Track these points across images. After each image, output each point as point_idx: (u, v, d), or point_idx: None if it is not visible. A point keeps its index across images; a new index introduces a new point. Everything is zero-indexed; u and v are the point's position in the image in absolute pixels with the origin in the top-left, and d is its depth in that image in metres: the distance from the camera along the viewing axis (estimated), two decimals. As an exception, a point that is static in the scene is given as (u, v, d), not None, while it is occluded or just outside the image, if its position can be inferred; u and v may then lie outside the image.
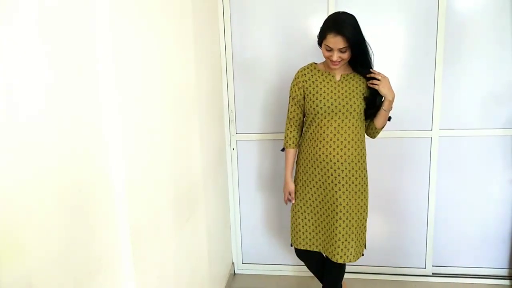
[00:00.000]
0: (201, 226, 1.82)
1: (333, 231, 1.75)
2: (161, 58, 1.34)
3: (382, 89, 1.67)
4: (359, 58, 1.67)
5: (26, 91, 0.69)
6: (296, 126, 1.86)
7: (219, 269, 2.24)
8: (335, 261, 1.76)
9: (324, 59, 1.76)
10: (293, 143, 1.86)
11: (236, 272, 2.61)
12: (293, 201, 1.86)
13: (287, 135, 1.87)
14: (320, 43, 1.69)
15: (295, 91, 1.80)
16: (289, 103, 1.85)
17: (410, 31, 2.20)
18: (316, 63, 1.80)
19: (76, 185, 0.84)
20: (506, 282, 2.34)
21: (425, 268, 2.43)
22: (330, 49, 1.62)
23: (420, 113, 2.27)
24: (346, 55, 1.62)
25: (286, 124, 1.88)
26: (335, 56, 1.61)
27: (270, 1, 2.26)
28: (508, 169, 2.27)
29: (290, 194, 1.88)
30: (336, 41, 1.58)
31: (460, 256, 2.41)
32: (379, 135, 1.84)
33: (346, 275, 2.33)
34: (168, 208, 1.39)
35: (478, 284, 2.34)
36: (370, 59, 1.70)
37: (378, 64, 2.21)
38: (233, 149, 2.46)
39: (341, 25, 1.58)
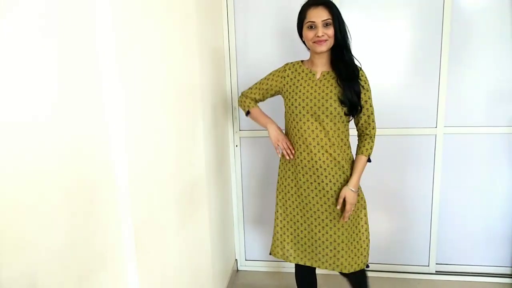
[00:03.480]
0: (204, 222, 1.82)
1: (312, 237, 1.69)
2: (164, 56, 1.34)
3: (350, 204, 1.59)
4: (343, 41, 1.56)
5: (30, 91, 0.69)
6: (254, 102, 1.82)
7: (222, 266, 2.24)
8: (317, 267, 1.70)
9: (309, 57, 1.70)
10: (254, 105, 1.82)
11: (239, 269, 2.62)
12: (292, 155, 1.68)
13: (244, 102, 1.83)
14: (300, 31, 1.62)
15: (268, 78, 1.76)
16: (256, 84, 1.80)
17: (415, 28, 2.19)
18: (303, 61, 1.72)
19: (80, 183, 0.84)
20: (509, 280, 2.33)
21: (428, 266, 2.42)
22: (313, 26, 1.54)
23: (424, 111, 2.25)
24: (330, 31, 1.52)
25: (240, 97, 1.84)
26: (320, 31, 1.51)
27: (274, -3, 2.25)
28: (513, 167, 2.26)
29: (287, 148, 1.68)
30: (318, 12, 1.52)
31: (463, 254, 2.40)
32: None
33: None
34: (172, 205, 1.39)
35: (481, 282, 2.34)
36: (350, 43, 1.59)
37: (384, 61, 2.21)
38: (237, 146, 2.46)
39: None
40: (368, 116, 1.64)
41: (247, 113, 1.84)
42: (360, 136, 1.70)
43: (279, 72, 1.75)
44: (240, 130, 2.44)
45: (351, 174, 1.65)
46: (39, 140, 0.71)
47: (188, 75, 1.60)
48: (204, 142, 1.81)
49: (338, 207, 1.61)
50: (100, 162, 0.93)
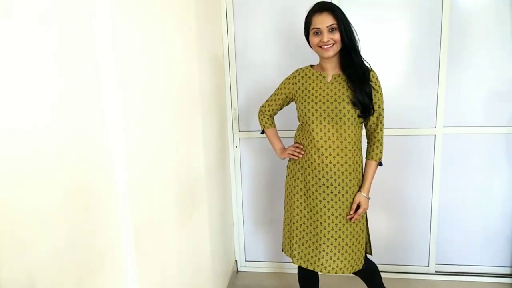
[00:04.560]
0: (204, 223, 1.82)
1: (317, 241, 1.68)
2: (164, 57, 1.34)
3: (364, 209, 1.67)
4: (350, 44, 1.56)
5: (29, 92, 0.69)
6: (271, 119, 1.88)
7: (222, 266, 2.24)
8: (319, 272, 1.72)
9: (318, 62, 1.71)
10: (270, 124, 1.88)
11: (239, 269, 2.62)
12: (303, 152, 1.70)
13: (262, 120, 1.88)
14: (307, 35, 1.63)
15: (281, 89, 1.79)
16: (271, 96, 1.84)
17: (414, 28, 2.19)
18: (312, 65, 1.73)
19: (79, 183, 0.84)
20: (509, 280, 2.33)
21: (428, 266, 2.42)
22: (319, 32, 1.55)
23: (424, 111, 2.26)
24: (336, 36, 1.53)
25: (259, 114, 1.89)
26: (325, 36, 1.53)
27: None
28: (511, 167, 2.26)
29: (294, 149, 1.72)
30: (323, 18, 1.53)
31: (463, 254, 2.40)
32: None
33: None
34: (171, 206, 1.40)
35: (481, 282, 2.34)
36: (358, 45, 1.59)
37: (383, 62, 2.21)
38: (236, 146, 2.46)
39: (325, 3, 1.57)
40: (377, 118, 1.64)
41: (263, 131, 1.92)
42: (368, 138, 1.71)
43: (289, 79, 1.76)
44: (239, 131, 2.44)
45: (362, 180, 1.69)
46: (38, 141, 0.72)
47: (187, 76, 1.61)
48: (203, 143, 1.82)
49: (352, 212, 1.64)
50: (99, 163, 0.93)
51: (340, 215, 1.65)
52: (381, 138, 1.68)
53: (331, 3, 1.57)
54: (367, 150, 1.71)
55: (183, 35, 1.56)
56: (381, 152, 1.68)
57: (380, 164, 1.70)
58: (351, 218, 1.64)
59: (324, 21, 1.53)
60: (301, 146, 1.71)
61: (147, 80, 1.20)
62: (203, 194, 1.81)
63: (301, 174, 1.72)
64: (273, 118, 1.89)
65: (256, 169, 2.49)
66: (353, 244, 1.68)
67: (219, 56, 2.23)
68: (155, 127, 1.27)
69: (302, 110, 1.66)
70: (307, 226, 1.73)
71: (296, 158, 1.73)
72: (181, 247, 1.50)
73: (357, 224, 1.68)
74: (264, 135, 1.93)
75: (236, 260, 2.61)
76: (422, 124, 2.27)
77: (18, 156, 0.67)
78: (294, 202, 1.75)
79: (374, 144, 1.68)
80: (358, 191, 1.67)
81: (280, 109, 1.86)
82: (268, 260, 2.59)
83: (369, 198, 1.68)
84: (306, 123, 1.66)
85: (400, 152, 2.32)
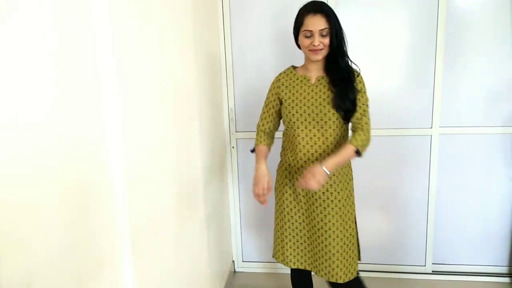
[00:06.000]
0: (201, 224, 1.82)
1: (312, 243, 1.64)
2: (161, 58, 1.34)
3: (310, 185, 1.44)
4: (338, 48, 1.51)
5: (28, 91, 0.69)
6: (266, 136, 1.73)
7: (219, 267, 2.24)
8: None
9: (303, 63, 1.66)
10: (262, 141, 1.72)
11: (236, 270, 2.62)
12: (271, 194, 1.60)
13: (256, 137, 1.75)
14: (296, 35, 1.56)
15: (269, 98, 1.70)
16: (263, 109, 1.74)
17: (410, 28, 2.20)
18: (295, 67, 1.68)
19: (77, 184, 0.84)
20: (506, 279, 2.34)
21: (425, 266, 2.43)
22: (310, 35, 1.49)
23: (420, 111, 2.26)
24: (326, 40, 1.48)
25: (256, 133, 1.75)
26: (316, 40, 1.47)
27: (270, 0, 2.25)
28: (508, 167, 2.27)
29: (262, 188, 1.58)
30: (316, 20, 1.46)
31: (460, 254, 2.41)
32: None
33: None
34: (169, 207, 1.39)
35: (478, 282, 2.35)
36: (346, 49, 1.54)
37: (379, 62, 2.22)
38: (233, 147, 2.46)
39: (319, 5, 1.50)
40: (361, 113, 1.56)
41: (253, 150, 1.76)
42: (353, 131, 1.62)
43: (273, 85, 1.70)
44: (236, 131, 2.44)
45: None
46: (38, 142, 0.71)
47: (184, 77, 1.61)
48: (200, 144, 1.81)
49: (300, 179, 1.48)
50: (97, 164, 0.93)
51: (330, 221, 1.58)
52: (367, 130, 1.56)
53: (326, 5, 1.51)
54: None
55: (180, 36, 1.56)
56: (362, 141, 1.54)
57: (358, 154, 1.54)
58: (299, 184, 1.49)
59: (317, 24, 1.47)
60: (267, 193, 1.59)
61: (145, 80, 1.20)
62: (200, 194, 1.81)
63: (289, 180, 1.68)
64: (269, 136, 1.75)
65: (253, 169, 2.47)
66: (344, 251, 1.61)
67: (216, 57, 2.23)
68: (153, 128, 1.27)
69: (286, 115, 1.61)
70: (300, 230, 1.68)
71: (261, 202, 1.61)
72: (178, 248, 1.49)
73: (347, 230, 1.61)
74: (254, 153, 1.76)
75: (233, 261, 2.61)
76: (418, 124, 2.28)
77: (16, 156, 0.67)
78: (284, 208, 1.70)
79: (357, 132, 1.57)
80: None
81: (277, 125, 1.76)
82: (265, 261, 2.59)
83: (327, 174, 1.47)
84: (292, 128, 1.61)
85: (396, 153, 2.33)
